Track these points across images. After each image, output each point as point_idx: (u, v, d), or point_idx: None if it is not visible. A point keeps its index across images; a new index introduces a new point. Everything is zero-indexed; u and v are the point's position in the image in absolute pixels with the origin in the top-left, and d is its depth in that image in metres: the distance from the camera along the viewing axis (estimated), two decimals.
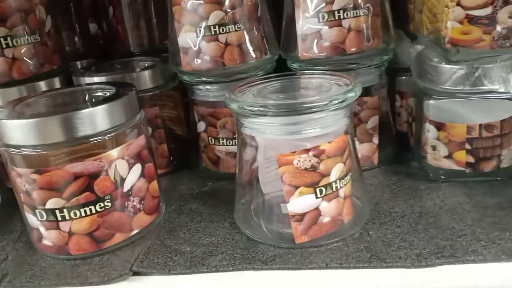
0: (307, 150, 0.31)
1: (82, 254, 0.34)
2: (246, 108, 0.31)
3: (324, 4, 0.38)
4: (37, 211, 0.33)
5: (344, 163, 0.32)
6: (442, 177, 0.39)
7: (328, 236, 0.32)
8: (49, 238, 0.34)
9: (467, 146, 0.37)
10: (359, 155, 0.38)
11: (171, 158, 0.48)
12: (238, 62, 0.41)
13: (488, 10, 0.34)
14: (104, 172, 0.33)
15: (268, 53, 0.43)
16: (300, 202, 0.31)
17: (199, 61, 0.41)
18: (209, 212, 0.39)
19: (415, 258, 0.30)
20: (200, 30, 0.40)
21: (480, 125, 0.37)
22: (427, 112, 0.39)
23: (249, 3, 0.41)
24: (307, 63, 0.41)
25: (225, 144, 0.44)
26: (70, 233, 0.33)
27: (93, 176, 0.33)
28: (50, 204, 0.32)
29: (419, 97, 0.40)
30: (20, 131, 0.32)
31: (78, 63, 0.56)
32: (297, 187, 0.31)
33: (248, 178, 0.35)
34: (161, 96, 0.47)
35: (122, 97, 0.35)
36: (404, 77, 0.46)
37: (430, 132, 0.39)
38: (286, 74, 0.38)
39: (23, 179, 0.32)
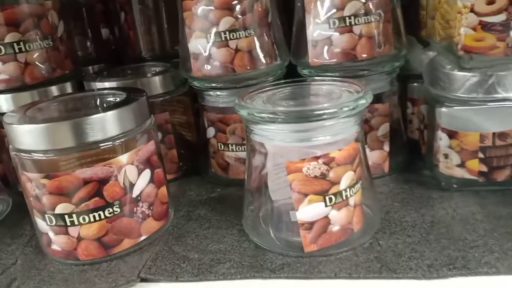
0: (316, 158, 0.30)
1: (91, 259, 0.34)
2: (255, 114, 0.31)
3: (335, 10, 0.38)
4: (46, 216, 0.33)
5: (354, 171, 0.32)
6: (454, 186, 0.39)
7: (338, 245, 0.32)
8: (58, 243, 0.34)
9: (480, 155, 0.37)
10: (370, 163, 0.38)
11: (181, 163, 0.48)
12: (248, 68, 0.41)
13: (502, 17, 0.34)
14: (113, 177, 0.33)
15: (278, 59, 0.43)
16: (309, 210, 0.31)
17: (209, 67, 0.41)
18: (217, 219, 0.39)
19: (426, 269, 0.29)
20: (210, 36, 0.40)
21: (494, 133, 0.36)
22: (439, 119, 0.38)
23: (259, 9, 0.41)
24: (318, 69, 0.41)
25: (235, 150, 0.44)
26: (79, 238, 0.33)
27: (103, 182, 0.33)
28: (59, 209, 0.32)
29: (431, 105, 0.40)
30: (31, 136, 0.32)
31: (90, 68, 0.56)
32: (306, 195, 0.31)
33: (257, 185, 0.35)
34: (171, 101, 0.47)
35: (132, 102, 0.35)
36: (415, 84, 0.46)
37: (442, 140, 0.38)
38: (296, 80, 0.38)
39: (33, 184, 0.33)
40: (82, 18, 0.58)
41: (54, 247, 0.34)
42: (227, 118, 0.44)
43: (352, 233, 0.33)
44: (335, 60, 0.39)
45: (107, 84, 0.45)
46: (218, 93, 0.44)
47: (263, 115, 0.31)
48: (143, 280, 0.32)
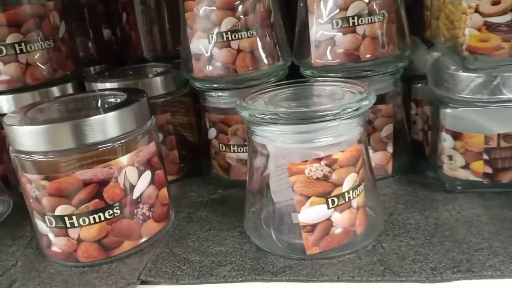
0: (319, 159, 0.30)
1: (91, 261, 0.34)
2: (257, 116, 0.31)
3: (338, 10, 0.38)
4: (46, 217, 0.33)
5: (357, 173, 0.31)
6: (459, 187, 0.38)
7: (340, 248, 0.32)
8: (58, 244, 0.34)
9: (485, 156, 0.36)
10: (373, 164, 0.37)
11: (182, 164, 0.48)
12: (250, 68, 0.40)
13: (507, 17, 0.33)
14: (113, 179, 0.33)
15: (281, 59, 0.42)
16: (311, 212, 0.31)
17: (211, 67, 0.40)
18: (218, 220, 0.38)
19: (430, 272, 0.29)
20: (212, 37, 0.39)
21: (499, 135, 0.35)
22: (444, 121, 0.38)
23: (262, 9, 0.40)
24: (320, 70, 0.40)
25: (236, 151, 0.44)
26: (79, 240, 0.33)
27: (103, 183, 0.32)
28: (59, 211, 0.32)
29: (435, 106, 0.39)
30: (31, 138, 0.32)
31: (91, 68, 0.56)
32: (308, 197, 0.30)
33: (259, 186, 0.35)
34: (172, 102, 0.46)
35: (133, 103, 0.34)
36: (419, 85, 0.45)
37: (446, 141, 0.38)
38: (299, 81, 0.37)
39: (33, 185, 0.32)
40: (84, 18, 0.58)
41: (54, 248, 0.34)
42: (229, 119, 0.43)
43: (355, 236, 0.32)
44: (338, 60, 0.39)
45: (108, 85, 0.44)
46: (220, 94, 0.43)
47: (265, 116, 0.30)
48: (144, 282, 0.31)
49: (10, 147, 0.34)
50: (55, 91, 0.46)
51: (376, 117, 0.41)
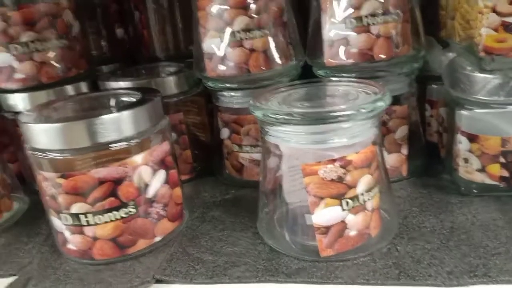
0: (333, 161, 0.30)
1: (106, 259, 0.34)
2: (270, 116, 0.31)
3: (352, 10, 0.37)
4: (62, 215, 0.33)
5: (372, 175, 0.31)
6: (474, 191, 0.38)
7: (355, 250, 0.31)
8: (73, 242, 0.34)
9: (502, 160, 0.36)
10: (387, 166, 0.37)
11: (195, 164, 0.48)
12: (263, 68, 0.40)
13: None
14: (128, 178, 0.33)
15: (294, 59, 0.42)
16: (325, 214, 0.30)
17: (223, 67, 0.40)
18: (231, 221, 0.38)
19: (446, 276, 0.29)
20: (225, 36, 0.39)
21: None
22: (459, 122, 0.37)
23: (274, 8, 0.40)
24: (334, 70, 0.40)
25: (249, 151, 0.44)
26: (94, 238, 0.33)
27: (118, 182, 0.32)
28: (74, 209, 0.32)
29: (451, 107, 0.39)
30: (46, 135, 0.32)
31: (104, 67, 0.57)
32: (322, 198, 0.30)
33: (272, 187, 0.35)
34: (185, 102, 0.47)
35: (147, 103, 0.34)
36: (434, 86, 0.45)
37: (462, 143, 0.37)
38: (312, 81, 0.37)
39: (48, 183, 0.33)
40: (97, 17, 0.58)
41: (70, 246, 0.34)
42: (242, 119, 0.43)
43: (369, 238, 0.32)
44: (351, 60, 0.38)
45: (121, 84, 0.45)
46: (233, 93, 0.43)
47: (278, 116, 0.30)
48: (158, 281, 0.32)
49: (26, 145, 0.34)
50: (69, 89, 0.46)
51: (390, 118, 0.41)
